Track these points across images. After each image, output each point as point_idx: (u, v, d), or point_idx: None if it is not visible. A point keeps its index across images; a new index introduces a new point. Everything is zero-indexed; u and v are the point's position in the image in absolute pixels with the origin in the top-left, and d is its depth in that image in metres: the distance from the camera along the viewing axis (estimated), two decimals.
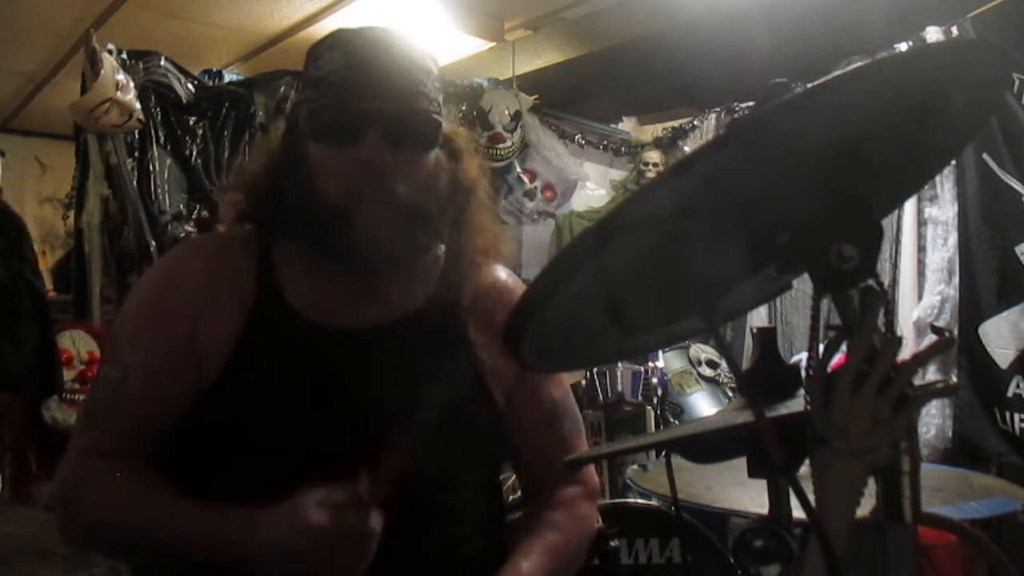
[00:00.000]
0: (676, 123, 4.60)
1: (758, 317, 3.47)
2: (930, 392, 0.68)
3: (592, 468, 1.23)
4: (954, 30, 2.99)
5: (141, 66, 3.47)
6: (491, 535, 1.12)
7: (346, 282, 1.04)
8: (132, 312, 1.08)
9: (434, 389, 1.00)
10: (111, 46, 3.27)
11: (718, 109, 4.28)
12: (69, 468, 1.01)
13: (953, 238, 3.10)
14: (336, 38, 1.03)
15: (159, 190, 3.50)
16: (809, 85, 0.54)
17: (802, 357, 1.05)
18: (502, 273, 1.19)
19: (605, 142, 4.72)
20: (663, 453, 1.26)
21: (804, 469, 0.68)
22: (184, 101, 3.62)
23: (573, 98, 4.87)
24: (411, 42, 1.04)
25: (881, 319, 0.64)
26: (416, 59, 1.02)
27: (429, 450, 0.95)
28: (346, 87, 0.98)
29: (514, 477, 1.56)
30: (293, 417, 0.99)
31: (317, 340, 1.03)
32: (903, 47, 3.02)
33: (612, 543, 1.30)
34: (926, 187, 3.03)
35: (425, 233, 1.03)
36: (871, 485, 0.65)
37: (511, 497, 1.82)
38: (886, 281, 2.87)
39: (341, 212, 0.97)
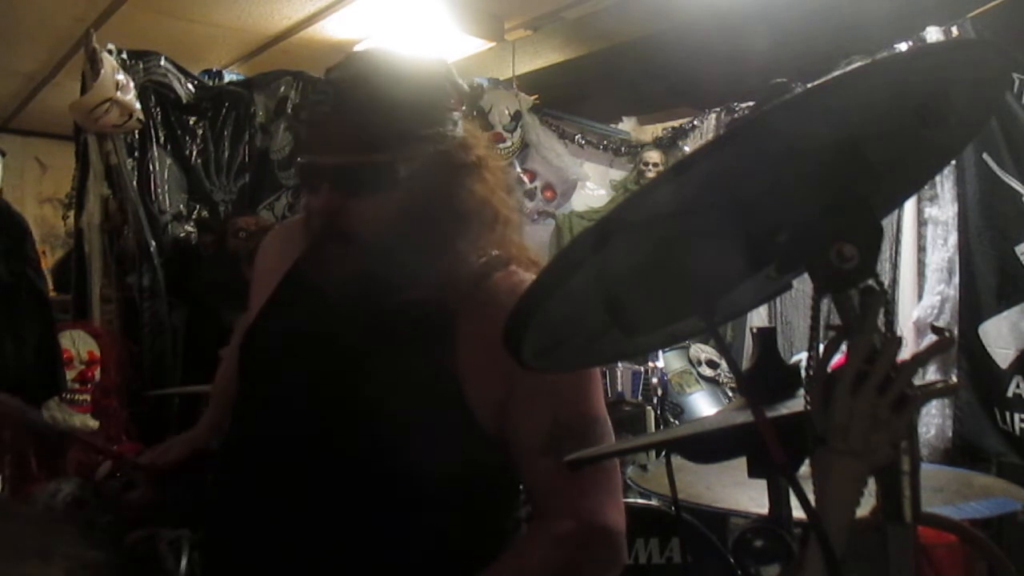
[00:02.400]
0: (676, 123, 4.60)
1: (758, 317, 3.47)
2: (930, 392, 0.68)
3: (609, 506, 1.05)
4: (954, 30, 2.99)
5: (141, 66, 3.48)
6: (440, 537, 1.04)
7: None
8: None
9: (395, 371, 1.05)
10: (111, 46, 3.27)
11: (718, 109, 4.29)
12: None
13: (953, 238, 3.10)
14: (315, 84, 1.15)
15: (159, 190, 3.51)
16: (809, 85, 0.54)
17: (802, 357, 1.05)
18: (510, 281, 1.11)
19: (605, 142, 4.72)
20: (663, 453, 1.26)
21: (804, 469, 0.68)
22: (184, 101, 3.63)
23: (573, 98, 4.87)
24: (379, 81, 1.06)
25: (881, 319, 0.64)
26: (375, 103, 1.04)
27: (372, 426, 1.03)
28: (301, 141, 1.11)
29: None
30: (265, 358, 1.16)
31: (307, 296, 1.16)
32: (903, 47, 3.03)
33: None
34: (926, 187, 3.03)
35: (389, 264, 1.08)
36: (871, 485, 0.65)
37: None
38: (886, 281, 2.87)
39: (315, 247, 1.14)
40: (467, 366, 1.05)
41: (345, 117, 1.04)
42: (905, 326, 3.12)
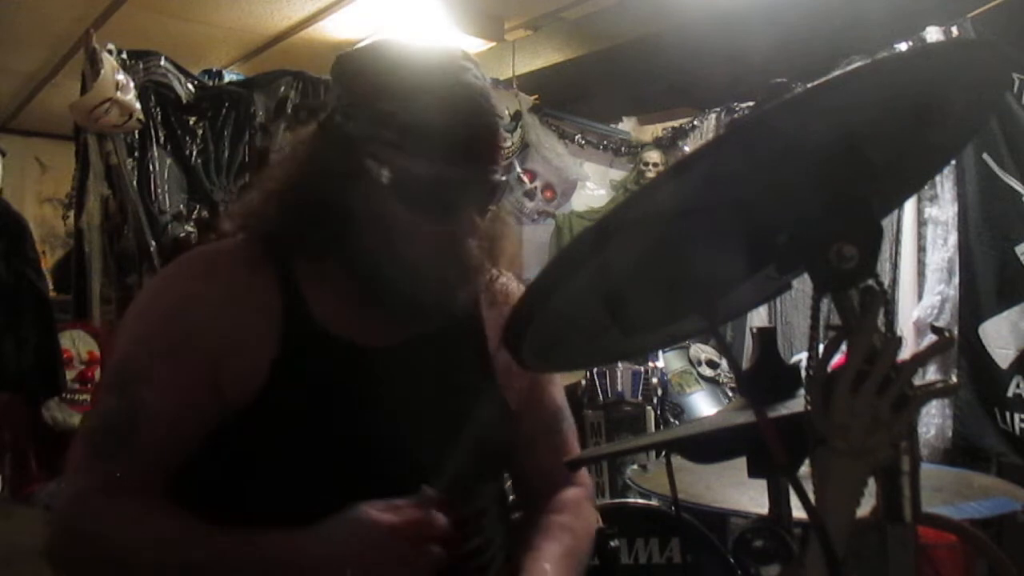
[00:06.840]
0: (676, 123, 4.60)
1: (758, 317, 3.47)
2: (930, 392, 0.68)
3: (584, 469, 1.24)
4: (954, 30, 2.99)
5: (141, 66, 3.47)
6: (502, 543, 1.12)
7: (368, 298, 1.01)
8: (142, 342, 0.97)
9: (461, 402, 1.05)
10: (111, 46, 3.27)
11: (718, 109, 4.28)
12: (75, 503, 0.93)
13: (953, 238, 3.10)
14: (406, 65, 0.96)
15: (159, 190, 3.50)
16: (809, 85, 0.54)
17: (802, 357, 1.05)
18: (512, 282, 1.17)
19: (605, 142, 4.72)
20: (663, 453, 1.27)
21: (804, 469, 0.68)
22: (184, 101, 3.62)
23: (573, 98, 4.87)
24: (479, 74, 1.00)
25: (881, 319, 0.64)
26: (493, 101, 0.98)
27: (456, 461, 0.99)
28: (444, 153, 0.91)
29: None
30: (332, 437, 0.97)
31: (350, 358, 1.00)
32: (903, 47, 3.02)
33: (612, 543, 1.29)
34: (926, 187, 3.03)
35: (474, 277, 1.04)
36: (871, 485, 0.65)
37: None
38: (886, 281, 2.86)
39: (409, 270, 0.95)
40: (501, 374, 1.12)
41: (491, 131, 0.96)
42: (905, 326, 3.12)
